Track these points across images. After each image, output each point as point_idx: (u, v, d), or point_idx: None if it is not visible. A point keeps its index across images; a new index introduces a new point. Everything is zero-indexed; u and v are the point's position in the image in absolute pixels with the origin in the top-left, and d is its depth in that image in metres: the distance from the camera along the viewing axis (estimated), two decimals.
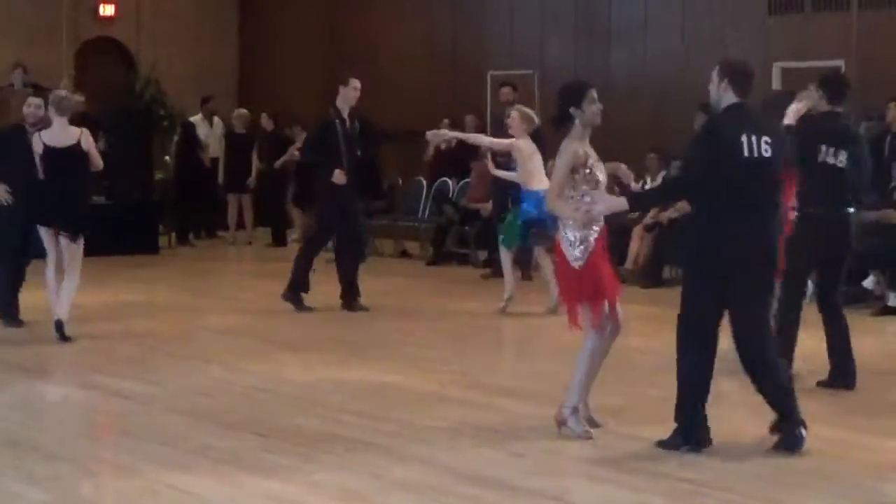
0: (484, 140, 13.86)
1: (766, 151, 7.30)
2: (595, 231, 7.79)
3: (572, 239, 7.76)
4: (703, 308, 7.40)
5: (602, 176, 7.86)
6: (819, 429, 8.08)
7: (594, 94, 7.92)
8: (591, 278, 7.73)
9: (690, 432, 7.37)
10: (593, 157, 7.89)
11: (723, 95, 7.47)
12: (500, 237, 13.36)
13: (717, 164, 7.29)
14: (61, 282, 11.13)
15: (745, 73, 7.54)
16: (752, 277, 7.38)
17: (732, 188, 7.26)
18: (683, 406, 7.43)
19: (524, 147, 12.79)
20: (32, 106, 11.97)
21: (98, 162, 11.46)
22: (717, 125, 7.49)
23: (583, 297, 7.76)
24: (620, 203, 7.72)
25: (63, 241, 11.15)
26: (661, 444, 7.43)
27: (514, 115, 12.98)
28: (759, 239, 7.36)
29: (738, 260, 7.32)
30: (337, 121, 13.34)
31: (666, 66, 18.29)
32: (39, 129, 11.42)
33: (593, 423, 7.89)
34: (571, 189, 7.79)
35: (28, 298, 12.85)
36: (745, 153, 7.26)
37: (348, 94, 13.28)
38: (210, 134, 20.98)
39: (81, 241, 11.19)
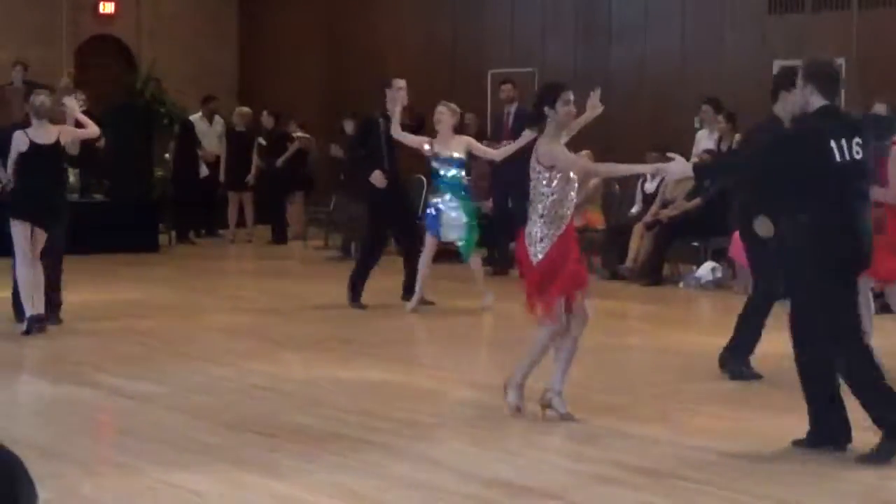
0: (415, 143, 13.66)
1: (858, 154, 7.20)
2: (561, 228, 7.97)
3: (534, 235, 7.98)
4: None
5: (573, 174, 8.06)
6: None
7: (570, 95, 8.05)
8: (546, 273, 7.93)
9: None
10: None
11: (809, 99, 7.31)
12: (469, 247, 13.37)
13: (804, 168, 7.22)
14: (36, 277, 11.24)
15: (832, 74, 7.40)
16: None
17: (825, 193, 7.21)
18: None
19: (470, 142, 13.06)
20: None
21: (94, 129, 11.84)
22: (807, 130, 7.39)
23: (540, 292, 7.95)
24: (687, 168, 7.92)
25: (37, 233, 11.31)
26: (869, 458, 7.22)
27: (444, 111, 13.02)
28: (853, 239, 7.26)
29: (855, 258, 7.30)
30: (381, 120, 13.32)
31: (666, 65, 18.30)
32: (24, 128, 11.54)
33: (519, 411, 8.09)
34: (545, 185, 7.95)
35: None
36: (838, 158, 7.15)
37: (396, 96, 13.21)
38: (209, 132, 20.98)
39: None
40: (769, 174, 7.54)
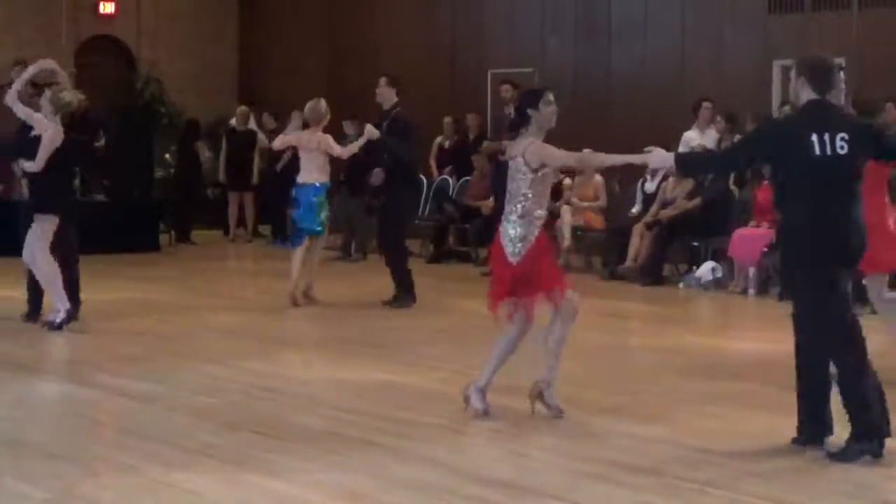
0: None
1: (842, 149, 7.16)
2: (537, 228, 8.07)
3: (513, 235, 8.05)
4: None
5: (552, 176, 8.24)
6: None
7: (551, 96, 8.24)
8: (524, 274, 8.02)
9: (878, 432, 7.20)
10: None
11: (800, 93, 7.36)
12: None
13: (783, 160, 7.30)
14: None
15: (823, 68, 7.39)
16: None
17: (800, 185, 7.22)
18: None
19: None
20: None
21: None
22: (790, 122, 7.47)
23: (514, 293, 8.05)
24: (668, 159, 7.98)
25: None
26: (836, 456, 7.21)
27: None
28: (833, 235, 7.23)
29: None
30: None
31: (666, 64, 18.30)
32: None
33: (486, 414, 8.18)
34: (528, 187, 8.04)
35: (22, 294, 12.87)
36: (817, 152, 7.16)
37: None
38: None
39: None
40: (748, 166, 7.58)
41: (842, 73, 9.62)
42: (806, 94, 7.33)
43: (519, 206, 8.07)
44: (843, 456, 7.15)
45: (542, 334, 8.21)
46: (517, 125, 8.24)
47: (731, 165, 8.34)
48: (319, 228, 13.54)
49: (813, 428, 7.43)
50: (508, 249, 8.07)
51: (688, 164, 8.75)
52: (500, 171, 16.24)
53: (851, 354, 7.26)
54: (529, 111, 8.15)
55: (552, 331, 8.16)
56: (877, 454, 7.14)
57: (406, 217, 14.11)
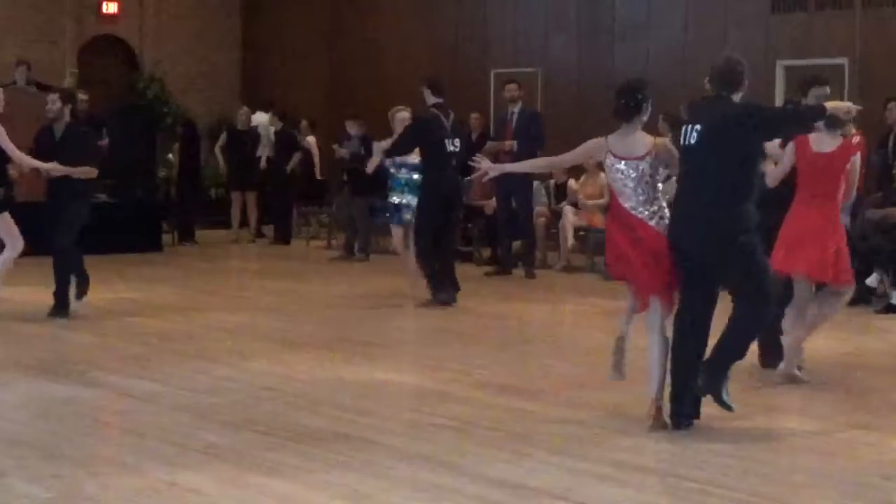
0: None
1: (693, 139, 7.69)
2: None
3: (663, 231, 7.90)
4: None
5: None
6: (824, 427, 8.10)
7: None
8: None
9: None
10: None
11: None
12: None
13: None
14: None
15: (721, 68, 8.00)
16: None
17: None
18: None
19: None
20: (49, 101, 12.36)
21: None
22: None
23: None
24: None
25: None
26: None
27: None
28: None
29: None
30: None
31: (669, 65, 18.29)
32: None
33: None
34: (658, 180, 8.07)
35: (31, 296, 12.89)
36: (682, 140, 7.79)
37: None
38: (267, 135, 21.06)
39: None
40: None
41: (827, 89, 9.62)
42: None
43: (660, 202, 7.94)
44: None
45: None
46: (634, 116, 8.09)
47: None
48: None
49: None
50: (663, 244, 7.87)
51: None
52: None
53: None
54: (645, 105, 8.11)
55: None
56: None
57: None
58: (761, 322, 7.85)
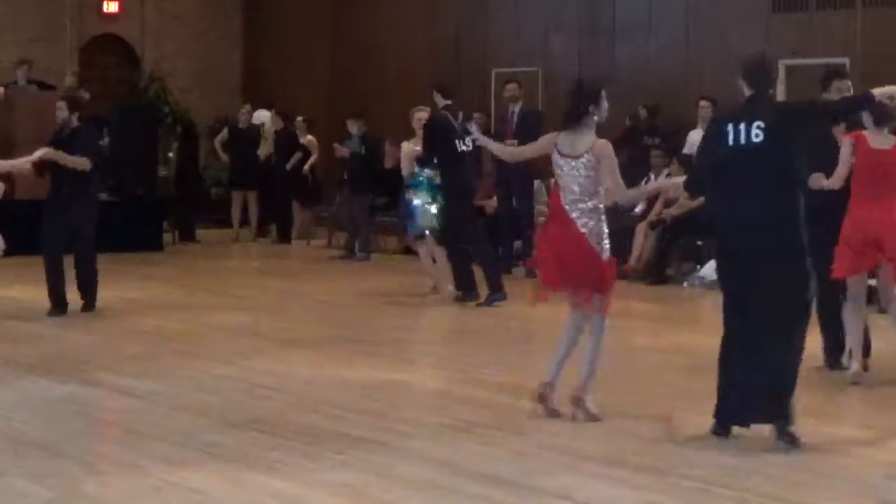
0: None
1: (757, 137, 7.33)
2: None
3: (604, 232, 8.14)
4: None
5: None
6: (826, 426, 8.09)
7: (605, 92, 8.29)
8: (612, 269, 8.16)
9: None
10: None
11: (742, 92, 7.60)
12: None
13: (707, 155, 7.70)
14: None
15: (756, 65, 7.63)
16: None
17: (719, 178, 7.50)
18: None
19: None
20: (58, 109, 12.51)
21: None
22: (716, 115, 7.75)
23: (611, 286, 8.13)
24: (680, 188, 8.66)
25: None
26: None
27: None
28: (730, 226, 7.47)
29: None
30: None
31: (670, 63, 18.28)
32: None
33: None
34: (600, 184, 8.10)
35: (31, 294, 12.89)
36: (730, 142, 7.39)
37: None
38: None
39: None
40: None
41: (848, 82, 9.63)
42: (745, 93, 7.56)
43: (601, 204, 8.07)
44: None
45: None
46: (578, 120, 8.15)
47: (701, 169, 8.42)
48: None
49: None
50: (602, 246, 8.08)
51: (695, 185, 8.80)
52: (503, 171, 16.27)
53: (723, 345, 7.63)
54: (591, 107, 8.13)
55: (585, 332, 8.21)
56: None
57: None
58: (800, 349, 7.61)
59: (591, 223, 8.06)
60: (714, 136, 7.64)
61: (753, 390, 7.39)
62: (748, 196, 7.35)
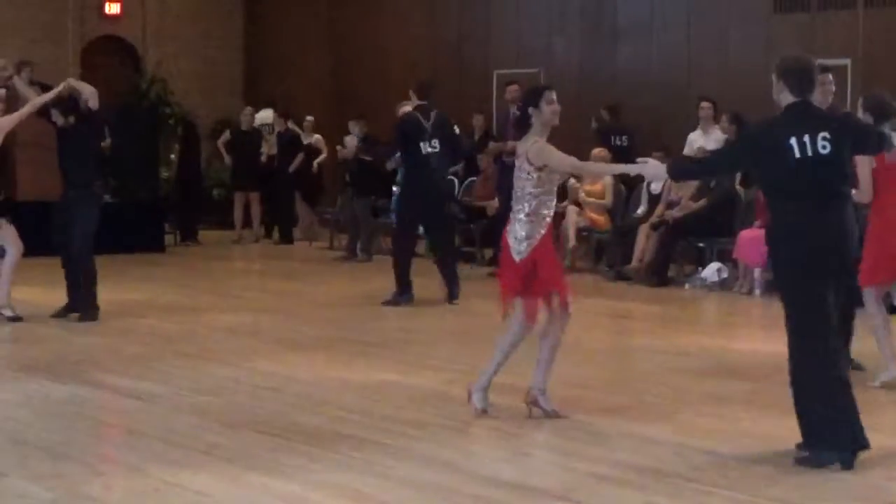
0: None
1: (825, 148, 7.08)
2: (545, 228, 8.14)
3: (519, 234, 8.11)
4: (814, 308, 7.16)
5: (557, 175, 8.36)
6: None
7: (552, 95, 8.28)
8: (527, 273, 8.09)
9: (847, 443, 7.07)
10: None
11: (780, 96, 7.28)
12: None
13: (762, 167, 7.33)
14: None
15: (802, 69, 7.28)
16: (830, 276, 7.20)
17: (783, 191, 7.18)
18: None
19: None
20: (53, 115, 12.41)
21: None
22: (767, 128, 7.36)
23: (518, 290, 8.12)
24: (661, 169, 8.07)
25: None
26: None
27: None
28: (817, 237, 7.12)
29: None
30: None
31: (672, 65, 18.28)
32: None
33: (485, 412, 8.24)
34: (533, 186, 8.11)
35: (34, 296, 12.90)
36: (797, 154, 7.08)
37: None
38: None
39: None
40: (734, 172, 7.63)
41: (829, 76, 9.63)
42: (786, 98, 7.24)
43: (525, 205, 8.12)
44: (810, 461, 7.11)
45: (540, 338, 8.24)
46: (521, 125, 8.28)
47: (720, 171, 8.19)
48: None
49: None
50: (514, 248, 8.12)
51: (679, 172, 8.79)
52: (505, 172, 16.27)
53: (811, 359, 7.14)
54: (531, 110, 8.21)
55: (546, 335, 8.20)
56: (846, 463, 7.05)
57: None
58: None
59: (512, 226, 8.16)
60: (770, 147, 7.19)
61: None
62: (829, 208, 7.15)
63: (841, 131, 7.25)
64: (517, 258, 8.11)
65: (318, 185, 20.66)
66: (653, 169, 8.22)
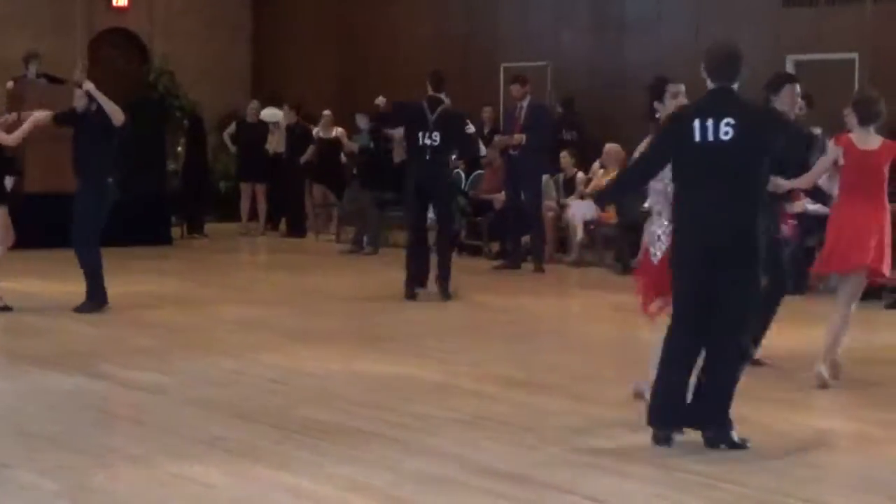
0: None
1: (727, 134, 7.04)
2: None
3: (657, 234, 7.87)
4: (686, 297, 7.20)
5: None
6: (833, 422, 8.09)
7: (678, 87, 8.11)
8: (664, 271, 7.69)
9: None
10: None
11: (707, 84, 7.26)
12: None
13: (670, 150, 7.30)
14: None
15: (722, 56, 7.32)
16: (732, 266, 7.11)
17: (685, 174, 7.18)
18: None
19: None
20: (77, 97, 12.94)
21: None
22: (680, 112, 7.40)
23: (661, 290, 7.76)
24: (590, 206, 8.10)
25: None
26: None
27: None
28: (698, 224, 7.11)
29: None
30: None
31: (679, 59, 18.23)
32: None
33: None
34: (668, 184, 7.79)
35: (39, 288, 12.91)
36: (697, 138, 7.06)
37: None
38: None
39: None
40: (663, 164, 7.47)
41: (797, 86, 9.57)
42: (709, 85, 7.24)
43: (668, 206, 7.80)
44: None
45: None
46: (649, 118, 8.10)
47: (646, 169, 7.96)
48: None
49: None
50: (651, 249, 7.94)
51: (603, 198, 8.74)
52: (512, 165, 16.27)
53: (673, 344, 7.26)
54: (656, 104, 8.06)
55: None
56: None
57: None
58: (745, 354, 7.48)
59: (649, 226, 8.00)
60: (676, 132, 7.25)
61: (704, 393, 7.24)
62: (716, 193, 7.08)
63: (753, 121, 7.16)
64: (653, 259, 7.89)
65: (343, 177, 20.64)
66: (580, 209, 8.30)
